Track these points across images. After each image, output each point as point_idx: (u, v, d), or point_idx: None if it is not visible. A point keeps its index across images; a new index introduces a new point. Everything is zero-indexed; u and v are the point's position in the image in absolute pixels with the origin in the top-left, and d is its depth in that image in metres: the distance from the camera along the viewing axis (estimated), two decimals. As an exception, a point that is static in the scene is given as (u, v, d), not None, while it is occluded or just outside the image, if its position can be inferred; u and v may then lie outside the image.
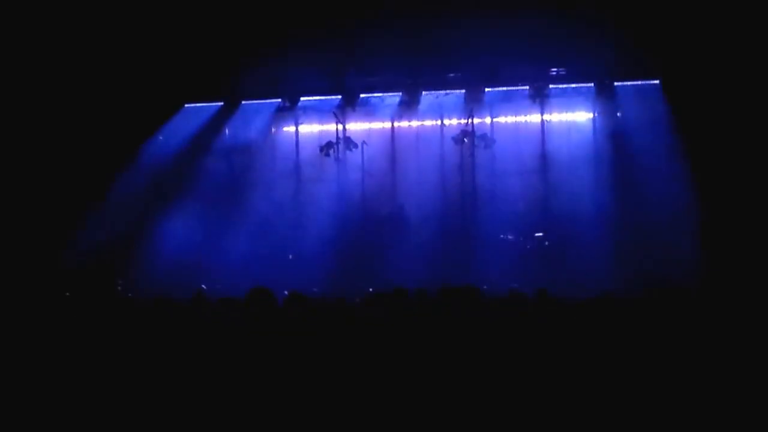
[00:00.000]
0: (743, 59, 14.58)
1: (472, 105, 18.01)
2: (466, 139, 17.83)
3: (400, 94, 18.48)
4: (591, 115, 17.91)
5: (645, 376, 5.82)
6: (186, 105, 18.80)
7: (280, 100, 18.97)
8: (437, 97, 18.25)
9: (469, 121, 17.92)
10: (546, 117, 18.10)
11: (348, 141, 18.32)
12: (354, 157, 18.34)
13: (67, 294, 11.69)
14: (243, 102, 19.00)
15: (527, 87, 17.83)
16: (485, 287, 13.15)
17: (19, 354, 6.80)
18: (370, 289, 14.85)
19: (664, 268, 14.23)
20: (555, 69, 17.60)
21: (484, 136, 17.85)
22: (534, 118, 18.18)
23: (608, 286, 12.97)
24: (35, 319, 7.85)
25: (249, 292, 7.55)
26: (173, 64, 16.82)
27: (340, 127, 18.47)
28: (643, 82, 17.23)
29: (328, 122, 18.81)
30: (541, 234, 16.93)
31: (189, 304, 8.19)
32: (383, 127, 18.98)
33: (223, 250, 16.86)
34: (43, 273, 14.64)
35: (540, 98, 17.82)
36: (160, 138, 18.50)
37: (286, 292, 8.09)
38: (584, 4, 15.00)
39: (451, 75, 18.02)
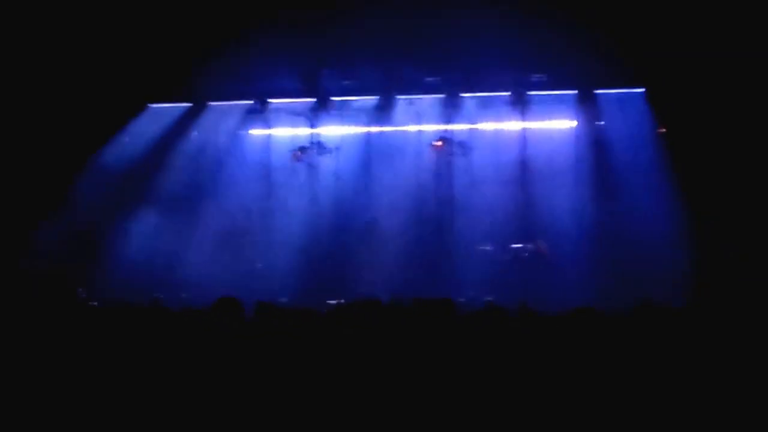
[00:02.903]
0: (728, 67, 14.67)
1: (449, 111, 17.99)
2: (438, 144, 17.80)
3: (376, 98, 18.43)
4: (573, 123, 17.93)
5: (627, 391, 5.83)
6: (150, 105, 18.63)
7: (250, 101, 18.87)
8: (412, 102, 18.18)
9: (447, 127, 17.91)
10: (526, 124, 18.10)
11: (321, 146, 18.26)
12: (327, 162, 18.26)
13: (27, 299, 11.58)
14: (211, 103, 18.86)
15: (507, 93, 17.81)
16: (461, 300, 13.18)
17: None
18: (342, 300, 14.86)
19: (646, 281, 14.28)
20: (536, 75, 17.59)
21: (461, 143, 17.85)
22: (514, 125, 18.17)
23: (588, 299, 13.08)
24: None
25: (215, 302, 7.50)
26: (137, 63, 16.67)
27: (313, 131, 18.39)
28: (627, 90, 17.27)
29: (300, 126, 18.70)
30: (519, 245, 16.94)
31: (148, 312, 8.11)
32: (357, 132, 18.94)
33: (189, 257, 16.76)
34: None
35: (520, 105, 17.81)
36: (124, 140, 18.32)
37: (253, 302, 8.03)
38: (567, 10, 15.05)
39: (429, 79, 17.98)
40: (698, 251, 14.74)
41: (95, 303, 13.84)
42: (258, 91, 18.60)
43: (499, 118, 18.20)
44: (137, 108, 18.41)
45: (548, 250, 16.74)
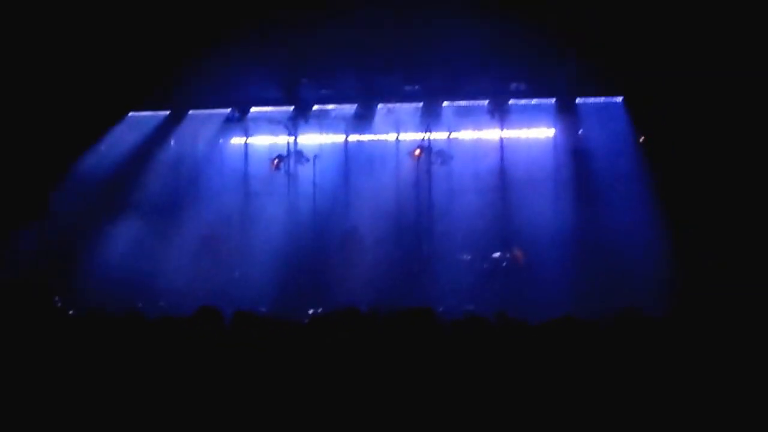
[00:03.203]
0: (708, 77, 14.74)
1: (429, 119, 17.99)
2: (417, 152, 17.82)
3: (355, 106, 18.43)
4: (552, 132, 17.97)
5: (608, 400, 5.84)
6: (130, 114, 18.58)
7: (229, 110, 18.84)
8: (391, 111, 18.18)
9: (426, 135, 17.92)
10: (505, 133, 18.13)
11: (299, 154, 18.24)
12: (306, 171, 18.22)
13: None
14: (190, 111, 18.82)
15: (486, 101, 17.83)
16: (441, 309, 13.18)
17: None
18: (320, 309, 14.84)
19: (625, 289, 14.32)
20: (515, 83, 17.60)
21: (441, 152, 17.86)
22: (493, 133, 18.21)
23: (568, 309, 13.08)
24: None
25: (196, 311, 7.47)
26: (116, 71, 16.62)
27: (292, 139, 18.38)
28: (606, 99, 17.32)
29: (279, 134, 18.68)
30: (498, 254, 16.96)
31: (125, 321, 8.07)
32: (336, 141, 18.93)
33: (167, 266, 16.70)
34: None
35: (499, 113, 17.81)
36: (102, 148, 18.25)
37: (231, 312, 8.00)
38: (546, 18, 15.10)
39: (408, 87, 17.99)
40: (677, 260, 14.80)
41: (72, 312, 13.75)
42: (237, 100, 18.59)
43: (478, 127, 18.24)
44: (117, 116, 18.34)
45: (525, 259, 16.77)
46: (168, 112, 18.82)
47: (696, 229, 14.93)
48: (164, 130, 18.75)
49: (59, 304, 13.35)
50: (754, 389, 5.89)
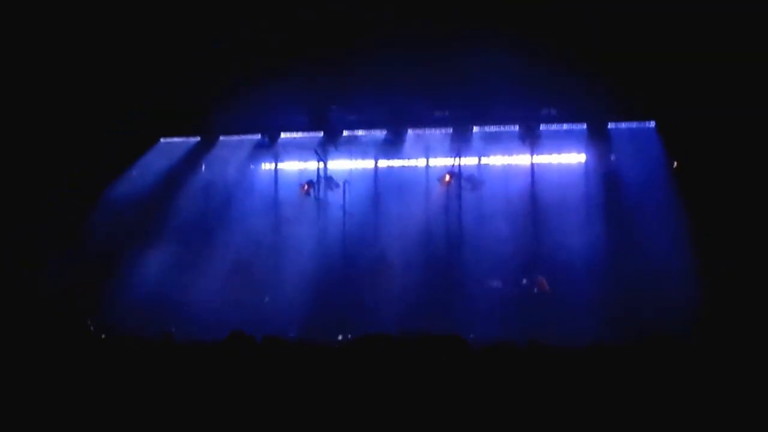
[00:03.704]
0: (740, 102, 14.67)
1: (459, 144, 17.99)
2: (447, 178, 17.82)
3: (385, 132, 18.48)
4: (583, 157, 17.90)
5: (638, 425, 5.81)
6: (162, 139, 18.74)
7: (259, 135, 18.94)
8: (421, 136, 18.22)
9: (456, 161, 17.91)
10: (536, 158, 18.08)
11: (329, 180, 18.29)
12: (335, 196, 18.29)
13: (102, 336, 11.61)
14: (221, 137, 18.95)
15: (517, 127, 17.81)
16: (471, 336, 13.15)
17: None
18: (349, 335, 14.85)
19: (657, 317, 14.19)
20: (546, 109, 17.57)
21: (471, 177, 17.86)
22: (524, 159, 18.17)
23: (598, 336, 13.02)
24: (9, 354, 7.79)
25: (227, 336, 7.52)
26: (149, 97, 16.81)
27: (322, 165, 18.44)
28: (638, 124, 17.23)
29: (309, 160, 18.76)
30: (528, 280, 16.88)
31: (158, 346, 8.13)
32: (366, 167, 18.98)
33: (197, 291, 16.76)
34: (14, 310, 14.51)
35: (530, 139, 17.77)
36: (134, 173, 18.41)
37: (262, 336, 8.04)
38: (577, 44, 15.10)
39: (438, 113, 18.00)
40: (709, 287, 14.66)
41: (104, 335, 13.84)
42: (267, 126, 18.67)
43: (508, 152, 18.22)
44: (149, 142, 18.51)
45: (549, 286, 16.69)
46: (199, 138, 18.92)
47: (728, 255, 14.81)
48: (195, 155, 18.86)
49: (92, 328, 13.45)
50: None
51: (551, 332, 15.08)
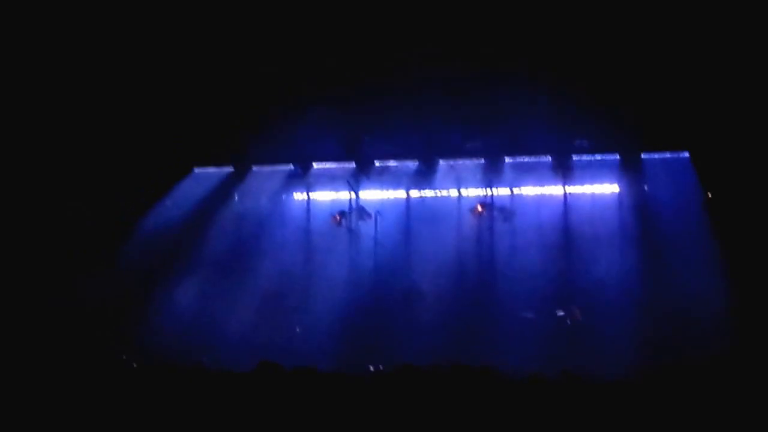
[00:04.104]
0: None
1: (491, 175, 17.98)
2: (479, 208, 17.78)
3: (417, 162, 18.51)
4: (616, 188, 17.82)
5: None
6: (195, 169, 18.89)
7: (291, 166, 19.04)
8: (453, 167, 18.24)
9: (488, 191, 17.89)
10: (569, 189, 18.03)
11: (361, 210, 18.33)
12: (367, 227, 18.32)
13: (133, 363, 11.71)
14: (254, 167, 19.07)
15: (549, 157, 17.79)
16: (503, 367, 13.08)
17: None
18: (380, 366, 14.81)
19: (690, 348, 14.07)
20: (578, 139, 17.52)
21: (503, 208, 17.83)
22: (556, 190, 18.12)
23: (632, 369, 12.93)
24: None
25: (256, 366, 7.54)
26: (183, 127, 16.98)
27: (354, 195, 18.47)
28: (672, 155, 17.15)
29: (341, 190, 18.82)
30: (562, 313, 16.80)
31: (189, 375, 8.16)
32: (398, 197, 19.00)
33: (230, 320, 16.83)
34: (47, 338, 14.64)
35: (563, 169, 17.74)
36: (168, 203, 18.53)
37: (293, 366, 8.05)
38: (609, 74, 15.11)
39: (469, 144, 18.00)
40: (741, 318, 14.53)
41: (134, 364, 13.92)
42: (300, 156, 18.76)
43: (541, 183, 18.15)
44: (183, 171, 18.66)
45: (581, 317, 16.59)
46: (232, 168, 19.04)
47: (762, 288, 14.68)
48: (229, 185, 18.98)
49: (124, 357, 13.54)
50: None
51: (585, 364, 15.04)
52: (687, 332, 14.83)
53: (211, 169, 19.13)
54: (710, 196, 16.38)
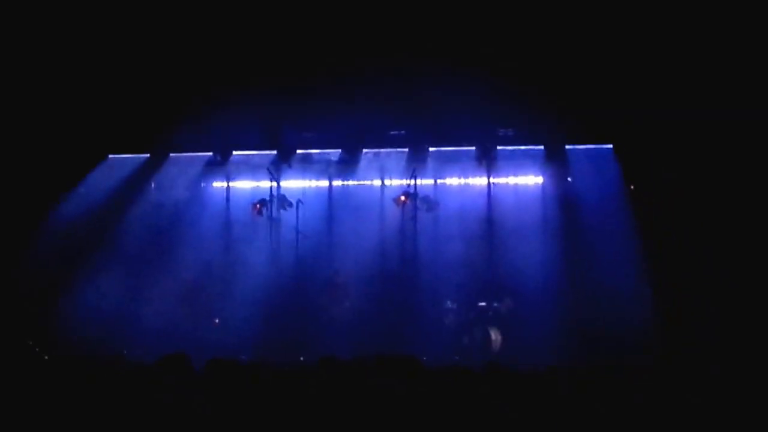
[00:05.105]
0: (698, 124, 14.87)
1: (415, 165, 18.02)
2: (403, 198, 17.79)
3: (340, 151, 18.48)
4: (540, 180, 18.01)
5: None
6: (110, 156, 18.58)
7: (211, 153, 18.87)
8: (376, 156, 18.25)
9: (412, 181, 17.93)
10: (493, 180, 18.18)
11: (282, 199, 18.20)
12: (288, 216, 18.20)
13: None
14: (171, 154, 18.83)
15: (474, 148, 17.89)
16: (425, 358, 13.15)
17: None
18: (302, 358, 14.80)
19: (614, 339, 14.29)
20: (503, 130, 17.65)
21: (426, 198, 17.87)
22: (480, 180, 18.25)
23: (556, 358, 13.12)
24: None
25: (161, 359, 7.46)
26: (98, 113, 16.66)
27: (275, 184, 18.37)
28: (596, 147, 17.36)
29: (261, 179, 18.69)
30: (484, 303, 16.93)
31: (106, 369, 8.04)
32: (320, 186, 18.95)
33: (146, 312, 16.64)
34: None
35: (487, 160, 17.87)
36: (79, 191, 18.21)
37: (210, 358, 7.96)
38: (535, 66, 15.21)
39: (394, 133, 18.01)
40: (663, 309, 14.82)
41: (47, 356, 13.68)
42: (219, 143, 18.59)
43: (465, 173, 18.27)
44: (97, 158, 18.33)
45: (504, 308, 16.73)
46: (148, 155, 18.78)
47: (682, 278, 14.98)
48: (146, 173, 18.72)
49: (36, 349, 13.29)
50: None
51: (507, 354, 15.21)
52: (608, 321, 15.06)
53: (127, 156, 18.83)
54: (633, 188, 16.62)
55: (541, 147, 17.74)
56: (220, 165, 18.98)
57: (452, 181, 18.44)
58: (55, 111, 16.36)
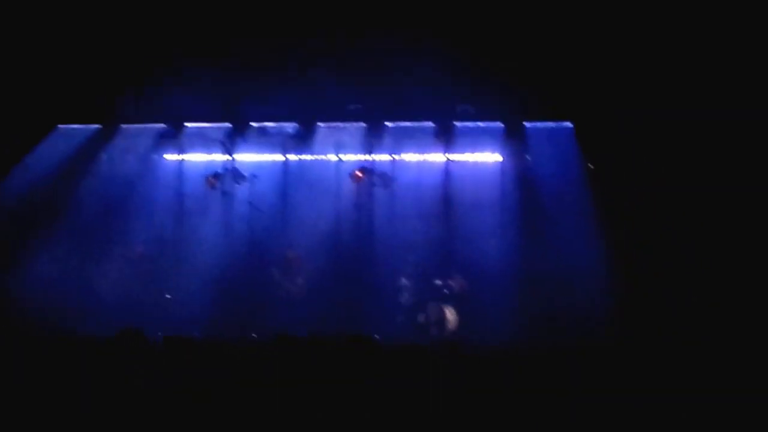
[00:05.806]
0: (658, 104, 14.97)
1: (371, 140, 17.99)
2: (359, 174, 17.75)
3: (295, 124, 18.39)
4: (499, 157, 18.03)
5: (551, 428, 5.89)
6: (59, 126, 18.37)
7: (163, 125, 18.71)
8: (332, 130, 18.19)
9: (368, 157, 17.89)
10: (451, 156, 18.17)
11: (236, 173, 18.09)
12: (242, 190, 18.10)
13: None
14: (122, 126, 18.64)
15: (432, 123, 17.88)
16: (377, 336, 13.18)
17: None
18: (255, 335, 14.78)
19: (570, 319, 14.42)
20: (462, 105, 17.62)
21: (383, 174, 17.84)
22: (438, 157, 18.24)
23: (511, 337, 13.21)
24: None
25: (118, 333, 7.41)
26: (44, 81, 16.45)
27: (228, 157, 18.25)
28: (555, 125, 17.41)
29: (215, 151, 18.56)
30: (440, 281, 16.96)
31: (59, 343, 7.98)
32: (275, 160, 18.86)
33: (96, 287, 16.54)
34: None
35: (445, 136, 17.86)
36: (27, 163, 17.99)
37: (161, 335, 7.94)
38: (494, 40, 15.22)
39: (351, 106, 17.94)
40: (622, 289, 14.95)
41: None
42: (172, 115, 18.41)
43: (422, 149, 18.24)
44: (46, 129, 18.11)
45: (460, 287, 16.78)
46: (99, 126, 18.58)
47: (640, 259, 15.12)
48: (96, 144, 18.52)
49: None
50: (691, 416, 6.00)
51: (463, 333, 15.29)
52: (566, 301, 15.18)
53: (77, 126, 18.62)
54: (592, 167, 16.71)
55: (501, 124, 17.74)
56: (172, 137, 18.80)
57: (410, 156, 18.39)
58: (1, 80, 16.15)
